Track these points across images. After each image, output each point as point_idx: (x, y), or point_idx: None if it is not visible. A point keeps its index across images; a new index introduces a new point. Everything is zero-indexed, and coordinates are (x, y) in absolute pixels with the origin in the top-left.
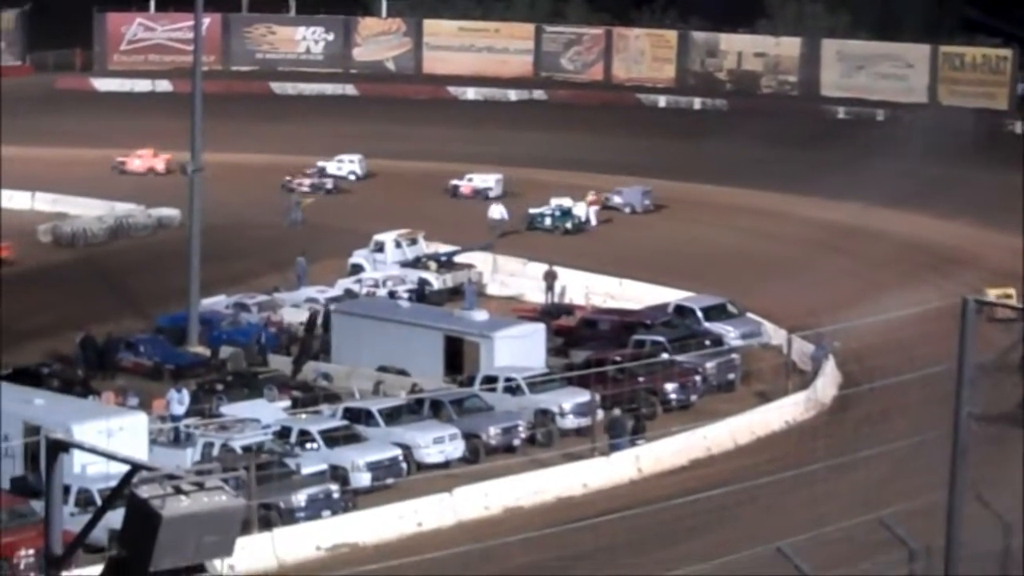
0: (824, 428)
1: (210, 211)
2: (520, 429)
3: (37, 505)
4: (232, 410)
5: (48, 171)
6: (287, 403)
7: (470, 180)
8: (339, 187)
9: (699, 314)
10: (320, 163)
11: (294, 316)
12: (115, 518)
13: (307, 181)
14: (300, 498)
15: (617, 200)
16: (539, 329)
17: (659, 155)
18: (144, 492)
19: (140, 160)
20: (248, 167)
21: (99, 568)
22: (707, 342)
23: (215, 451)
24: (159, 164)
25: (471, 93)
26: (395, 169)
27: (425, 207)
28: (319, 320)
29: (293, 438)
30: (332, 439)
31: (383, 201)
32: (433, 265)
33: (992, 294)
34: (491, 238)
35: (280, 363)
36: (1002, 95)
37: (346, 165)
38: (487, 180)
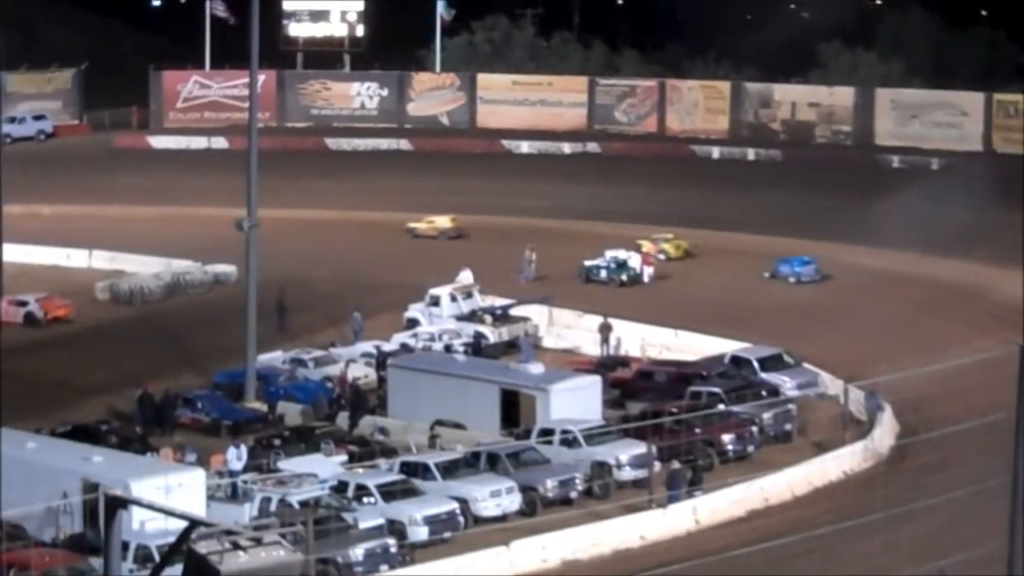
0: (882, 478)
1: (266, 267)
2: (577, 481)
3: (96, 562)
4: (289, 465)
5: (106, 229)
6: (344, 458)
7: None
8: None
9: (755, 365)
10: None
11: (352, 371)
12: (174, 574)
13: None
14: (358, 552)
15: None
16: (595, 381)
17: (713, 206)
18: (202, 548)
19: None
20: (304, 222)
21: None
22: (763, 393)
23: (273, 506)
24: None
25: (525, 147)
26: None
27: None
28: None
29: (350, 492)
30: (389, 493)
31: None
32: (489, 318)
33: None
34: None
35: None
36: None
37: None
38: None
